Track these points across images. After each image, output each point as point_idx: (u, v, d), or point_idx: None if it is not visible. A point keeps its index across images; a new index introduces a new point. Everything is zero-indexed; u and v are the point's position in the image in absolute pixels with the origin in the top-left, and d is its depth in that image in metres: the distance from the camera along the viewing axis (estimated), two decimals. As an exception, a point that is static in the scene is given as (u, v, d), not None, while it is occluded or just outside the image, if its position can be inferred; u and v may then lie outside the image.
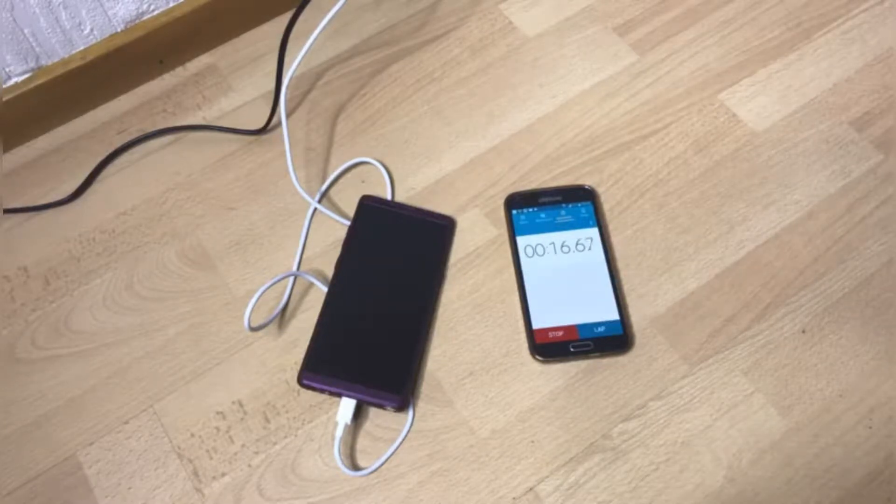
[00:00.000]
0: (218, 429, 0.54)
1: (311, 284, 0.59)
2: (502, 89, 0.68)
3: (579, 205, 0.61)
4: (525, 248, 0.59)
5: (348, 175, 0.64)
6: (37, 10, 0.60)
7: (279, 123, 0.67)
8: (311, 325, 0.57)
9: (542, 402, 0.54)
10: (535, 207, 0.61)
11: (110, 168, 0.66)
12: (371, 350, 0.55)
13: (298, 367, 0.55)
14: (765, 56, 0.69)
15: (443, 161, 0.65)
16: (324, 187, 0.63)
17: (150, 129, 0.67)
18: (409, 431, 0.53)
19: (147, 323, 0.58)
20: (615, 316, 0.56)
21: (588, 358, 0.55)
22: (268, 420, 0.54)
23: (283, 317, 0.58)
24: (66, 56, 0.64)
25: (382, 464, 0.52)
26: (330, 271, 0.59)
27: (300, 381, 0.53)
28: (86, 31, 0.64)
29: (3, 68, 0.62)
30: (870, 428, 0.52)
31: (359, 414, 0.54)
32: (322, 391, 0.53)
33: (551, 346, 0.55)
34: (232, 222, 0.62)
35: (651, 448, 0.52)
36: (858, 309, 0.57)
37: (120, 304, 0.59)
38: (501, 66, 0.70)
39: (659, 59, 0.69)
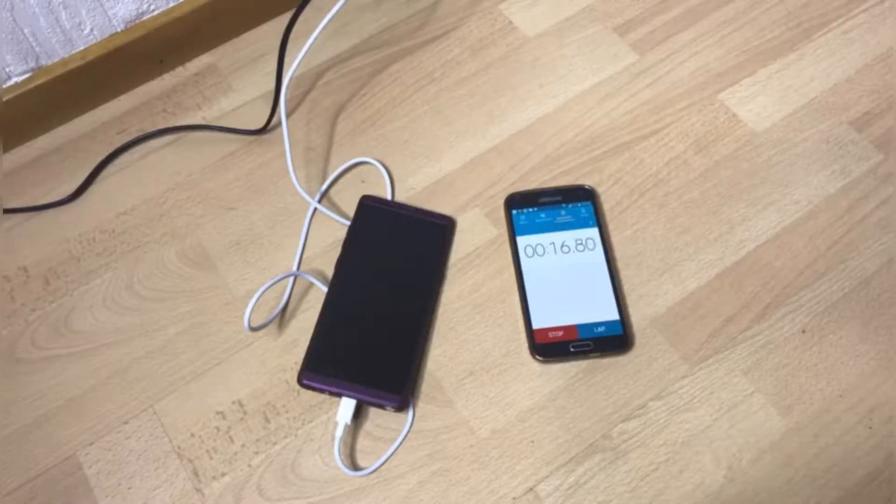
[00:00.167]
0: (218, 429, 0.54)
1: (311, 284, 0.59)
2: (502, 89, 0.68)
3: (579, 205, 0.61)
4: (525, 248, 0.59)
5: (348, 175, 0.64)
6: (37, 10, 0.60)
7: (279, 123, 0.67)
8: (311, 325, 0.57)
9: (542, 402, 0.54)
10: (535, 207, 0.61)
11: (110, 168, 0.66)
12: (371, 350, 0.55)
13: (298, 367, 0.55)
14: (765, 56, 0.69)
15: (443, 161, 0.65)
16: (324, 187, 0.63)
17: (150, 129, 0.67)
18: (409, 431, 0.53)
19: (147, 323, 0.58)
20: (615, 316, 0.56)
21: (588, 358, 0.55)
22: (268, 420, 0.54)
23: (283, 317, 0.58)
24: (66, 56, 0.64)
25: (382, 464, 0.52)
26: (330, 271, 0.59)
27: (300, 381, 0.53)
28: (86, 31, 0.64)
29: (3, 68, 0.62)
30: (870, 428, 0.52)
31: (359, 414, 0.54)
32: (322, 391, 0.53)
33: (551, 346, 0.55)
34: (232, 222, 0.62)
35: (651, 448, 0.52)
36: (858, 309, 0.57)
37: (120, 304, 0.59)
38: (501, 66, 0.70)
39: (659, 59, 0.69)
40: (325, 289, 0.57)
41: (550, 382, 0.55)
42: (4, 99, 0.62)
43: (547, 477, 0.51)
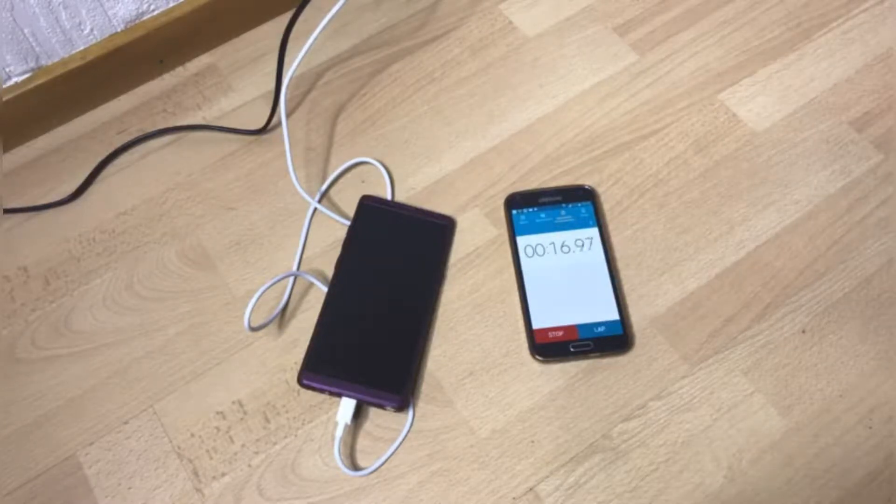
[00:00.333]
0: (218, 429, 0.54)
1: (311, 284, 0.59)
2: (502, 89, 0.68)
3: (579, 205, 0.61)
4: (525, 248, 0.59)
5: (348, 175, 0.64)
6: (37, 10, 0.60)
7: (279, 123, 0.67)
8: (311, 325, 0.57)
9: (542, 402, 0.54)
10: (535, 207, 0.61)
11: (110, 168, 0.66)
12: (371, 350, 0.55)
13: (298, 367, 0.55)
14: (765, 56, 0.69)
15: (443, 161, 0.65)
16: (324, 187, 0.63)
17: (150, 129, 0.67)
18: (409, 431, 0.53)
19: (147, 323, 0.58)
20: (615, 316, 0.56)
21: (588, 358, 0.55)
22: (268, 420, 0.54)
23: (283, 317, 0.58)
24: (66, 56, 0.64)
25: (382, 464, 0.52)
26: (330, 271, 0.59)
27: (300, 381, 0.53)
28: (86, 31, 0.64)
29: (3, 68, 0.62)
30: (870, 428, 0.52)
31: (359, 414, 0.54)
32: (322, 391, 0.53)
33: (551, 346, 0.55)
34: (232, 222, 0.62)
35: (651, 448, 0.52)
36: (858, 309, 0.57)
37: (120, 304, 0.59)
38: (501, 66, 0.70)
39: (659, 59, 0.69)
40: (325, 289, 0.57)
41: (550, 382, 0.55)
42: (4, 99, 0.62)
43: (547, 477, 0.51)
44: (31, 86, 0.63)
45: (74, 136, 0.67)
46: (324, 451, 0.53)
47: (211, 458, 0.53)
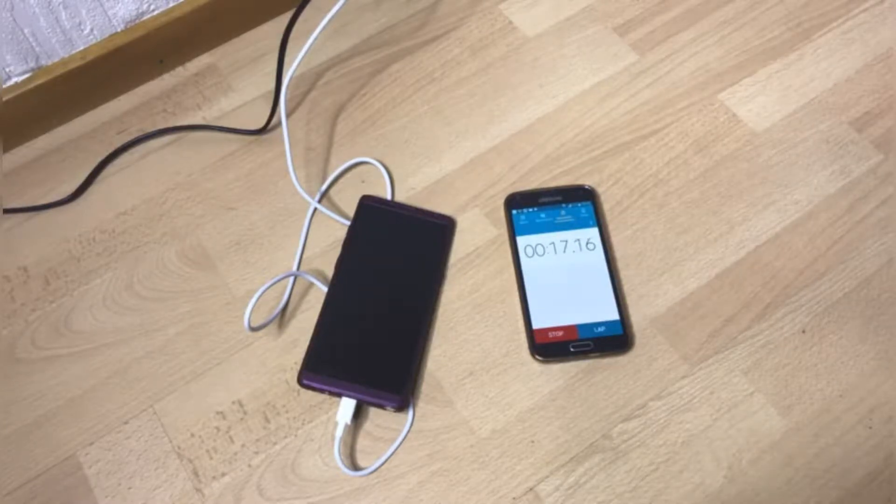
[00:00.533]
0: (218, 429, 0.54)
1: (311, 284, 0.59)
2: (502, 89, 0.68)
3: (579, 205, 0.61)
4: (525, 248, 0.59)
5: (348, 175, 0.64)
6: (37, 10, 0.60)
7: (279, 123, 0.67)
8: (311, 325, 0.57)
9: (542, 402, 0.54)
10: (535, 207, 0.61)
11: (110, 168, 0.66)
12: (371, 350, 0.55)
13: (298, 367, 0.55)
14: (765, 56, 0.69)
15: (443, 161, 0.65)
16: (324, 187, 0.63)
17: (150, 129, 0.67)
18: (409, 431, 0.53)
19: (147, 323, 0.58)
20: (615, 316, 0.56)
21: (588, 358, 0.55)
22: (268, 420, 0.54)
23: (283, 317, 0.58)
24: (66, 56, 0.64)
25: (382, 464, 0.52)
26: (330, 271, 0.59)
27: (300, 381, 0.53)
28: (86, 31, 0.64)
29: (3, 68, 0.62)
30: (870, 428, 0.52)
31: (359, 414, 0.54)
32: (322, 391, 0.53)
33: (551, 346, 0.55)
34: (232, 222, 0.62)
35: (651, 448, 0.52)
36: (858, 309, 0.57)
37: (120, 304, 0.59)
38: (501, 66, 0.70)
39: (659, 59, 0.69)
40: (325, 289, 0.57)
41: (550, 382, 0.55)
42: (4, 99, 0.62)
43: (547, 477, 0.51)
44: (31, 86, 0.63)
45: (74, 136, 0.67)
46: (324, 451, 0.53)
47: (211, 458, 0.53)
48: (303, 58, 0.60)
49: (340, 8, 0.57)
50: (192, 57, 0.71)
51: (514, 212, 0.61)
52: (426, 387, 0.55)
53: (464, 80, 0.69)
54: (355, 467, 0.52)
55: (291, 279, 0.59)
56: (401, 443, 0.53)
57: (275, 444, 0.53)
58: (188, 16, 0.67)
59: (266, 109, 0.68)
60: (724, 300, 0.57)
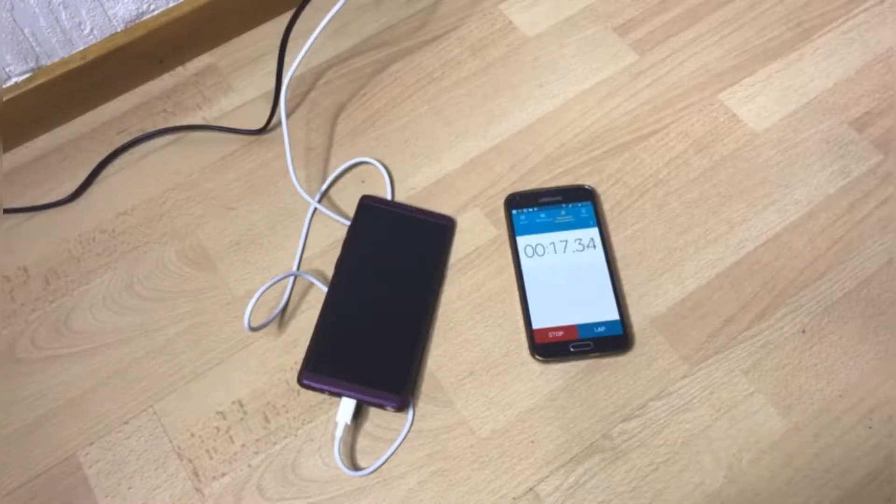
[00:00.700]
0: (218, 429, 0.54)
1: (311, 284, 0.59)
2: (502, 89, 0.68)
3: (579, 205, 0.61)
4: (525, 248, 0.59)
5: (348, 175, 0.64)
6: (37, 10, 0.60)
7: (279, 123, 0.67)
8: (311, 325, 0.57)
9: (542, 402, 0.54)
10: (535, 207, 0.61)
11: (110, 168, 0.66)
12: (371, 350, 0.55)
13: (298, 367, 0.55)
14: (765, 56, 0.69)
15: (443, 161, 0.65)
16: (324, 187, 0.63)
17: (150, 129, 0.67)
18: (409, 431, 0.53)
19: (147, 323, 0.58)
20: (615, 316, 0.56)
21: (588, 358, 0.55)
22: (268, 420, 0.54)
23: (283, 317, 0.58)
24: (66, 56, 0.64)
25: (382, 464, 0.52)
26: (330, 271, 0.59)
27: (300, 381, 0.53)
28: (86, 31, 0.64)
29: (3, 68, 0.62)
30: (870, 428, 0.52)
31: (359, 414, 0.54)
32: (322, 391, 0.53)
33: (551, 346, 0.55)
34: (232, 222, 0.62)
35: (651, 448, 0.52)
36: (858, 309, 0.57)
37: (120, 304, 0.59)
38: (501, 66, 0.70)
39: (659, 59, 0.69)
40: (325, 289, 0.57)
41: (550, 382, 0.55)
42: (4, 99, 0.62)
43: (547, 477, 0.51)
44: (31, 86, 0.63)
45: (74, 136, 0.67)
46: (324, 451, 0.53)
47: (211, 458, 0.53)
48: (303, 58, 0.60)
49: (340, 8, 0.57)
50: (192, 57, 0.71)
51: (514, 212, 0.61)
52: (426, 387, 0.55)
53: (464, 80, 0.69)
54: (355, 467, 0.52)
55: (291, 279, 0.59)
56: (401, 443, 0.53)
57: (275, 444, 0.53)
58: (188, 16, 0.67)
59: (266, 109, 0.68)
60: (724, 300, 0.57)
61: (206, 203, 0.63)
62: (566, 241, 0.59)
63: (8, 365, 0.56)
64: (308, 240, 0.61)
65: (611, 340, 0.55)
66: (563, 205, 0.61)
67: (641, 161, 0.64)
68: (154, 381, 0.56)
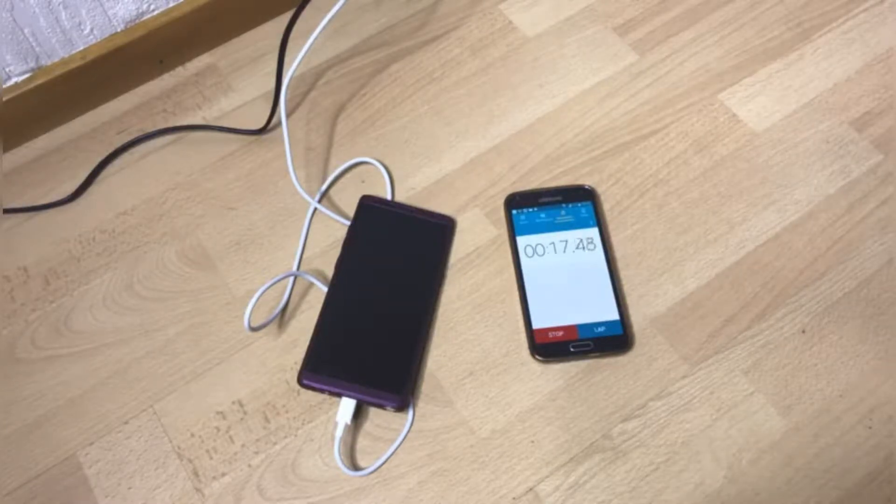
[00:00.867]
0: (218, 429, 0.54)
1: (311, 284, 0.59)
2: (502, 89, 0.68)
3: (579, 205, 0.61)
4: (525, 248, 0.59)
5: (348, 175, 0.64)
6: (37, 10, 0.60)
7: (279, 123, 0.67)
8: (311, 325, 0.57)
9: (542, 402, 0.54)
10: (535, 207, 0.61)
11: (110, 168, 0.66)
12: (371, 350, 0.55)
13: (298, 367, 0.55)
14: (765, 56, 0.69)
15: (443, 161, 0.65)
16: (324, 187, 0.63)
17: (150, 129, 0.67)
18: (409, 431, 0.53)
19: (147, 323, 0.58)
20: (615, 316, 0.56)
21: (588, 358, 0.55)
22: (268, 420, 0.54)
23: (283, 317, 0.58)
24: (66, 56, 0.64)
25: (382, 464, 0.52)
26: (330, 271, 0.59)
27: (300, 381, 0.53)
28: (86, 31, 0.64)
29: (3, 68, 0.62)
30: (870, 428, 0.52)
31: (359, 414, 0.54)
32: (322, 391, 0.53)
33: (551, 346, 0.55)
34: (232, 222, 0.62)
35: (651, 448, 0.52)
36: (858, 309, 0.57)
37: (120, 304, 0.59)
38: (501, 66, 0.70)
39: (659, 59, 0.69)
40: (325, 289, 0.57)
41: (550, 382, 0.55)
42: (4, 99, 0.62)
43: (547, 477, 0.51)
44: (31, 86, 0.63)
45: (74, 136, 0.67)
46: (324, 451, 0.53)
47: (211, 458, 0.53)
48: (303, 58, 0.60)
49: (340, 8, 0.57)
50: (192, 57, 0.71)
51: (514, 212, 0.61)
52: (426, 387, 0.55)
53: (464, 80, 0.69)
54: (355, 467, 0.52)
55: (291, 279, 0.59)
56: (401, 443, 0.53)
57: (275, 444, 0.53)
58: (188, 16, 0.67)
59: (266, 109, 0.68)
60: (724, 300, 0.57)
61: (206, 203, 0.63)
62: (566, 241, 0.59)
63: (8, 365, 0.56)
64: (308, 240, 0.61)
65: (611, 340, 0.55)
66: (563, 205, 0.61)
67: (641, 161, 0.64)
68: (154, 381, 0.56)
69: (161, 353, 0.57)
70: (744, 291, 0.58)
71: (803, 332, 0.56)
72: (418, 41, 0.71)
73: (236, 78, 0.70)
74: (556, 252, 0.59)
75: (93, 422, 0.54)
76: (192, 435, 0.53)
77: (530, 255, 0.59)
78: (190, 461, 0.53)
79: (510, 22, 0.72)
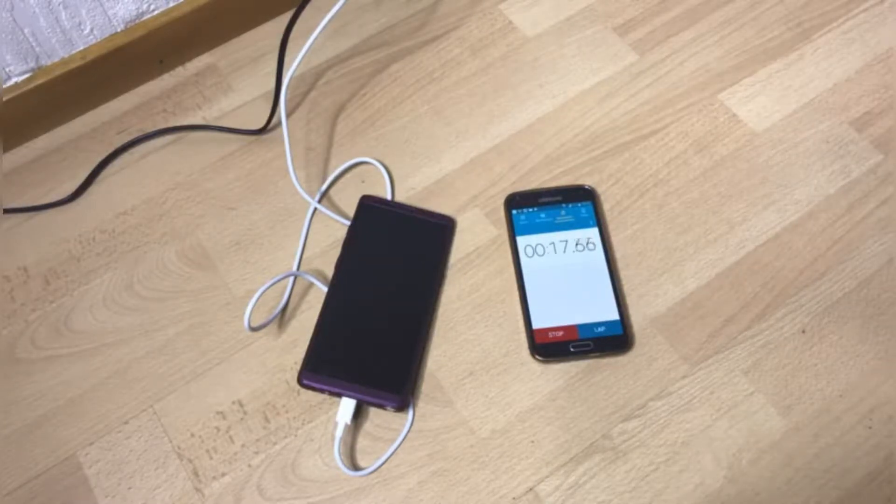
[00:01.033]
0: (218, 429, 0.54)
1: (311, 284, 0.59)
2: (502, 89, 0.68)
3: (579, 205, 0.61)
4: (525, 248, 0.59)
5: (348, 175, 0.64)
6: (37, 10, 0.60)
7: (279, 123, 0.67)
8: (311, 325, 0.57)
9: (542, 402, 0.54)
10: (535, 207, 0.61)
11: (110, 168, 0.66)
12: (371, 350, 0.55)
13: (298, 367, 0.55)
14: (765, 56, 0.69)
15: (443, 161, 0.65)
16: (324, 187, 0.63)
17: (150, 129, 0.67)
18: (409, 431, 0.53)
19: (147, 323, 0.58)
20: (615, 316, 0.56)
21: (588, 358, 0.55)
22: (268, 420, 0.54)
23: (283, 317, 0.58)
24: (66, 56, 0.64)
25: (382, 464, 0.52)
26: (330, 271, 0.59)
27: (300, 381, 0.53)
28: (86, 31, 0.64)
29: (3, 68, 0.62)
30: (870, 428, 0.52)
31: (359, 414, 0.54)
32: (322, 391, 0.53)
33: (551, 346, 0.55)
34: (232, 222, 0.62)
35: (651, 448, 0.52)
36: (858, 309, 0.57)
37: (120, 304, 0.59)
38: (501, 66, 0.70)
39: (659, 59, 0.69)
40: (325, 289, 0.57)
41: (550, 382, 0.55)
42: (4, 99, 0.62)
43: (547, 477, 0.51)
44: (31, 86, 0.63)
45: (74, 136, 0.67)
46: (324, 451, 0.53)
47: (211, 458, 0.53)
48: (303, 58, 0.60)
49: (340, 8, 0.57)
50: (192, 57, 0.71)
51: (514, 212, 0.61)
52: (426, 387, 0.55)
53: (464, 80, 0.69)
54: (355, 467, 0.52)
55: (291, 279, 0.59)
56: (401, 443, 0.53)
57: (275, 444, 0.53)
58: (188, 16, 0.67)
59: (266, 109, 0.68)
60: (724, 300, 0.57)
61: (206, 203, 0.63)
62: (566, 241, 0.59)
63: (8, 365, 0.56)
64: (308, 240, 0.61)
65: (611, 340, 0.55)
66: (563, 205, 0.61)
67: (641, 161, 0.64)
68: (154, 381, 0.56)
69: (161, 353, 0.57)
70: (744, 291, 0.58)
71: (803, 332, 0.56)
72: (418, 41, 0.71)
73: (236, 78, 0.70)
74: (556, 252, 0.59)
75: (93, 422, 0.54)
76: (192, 435, 0.53)
77: (530, 255, 0.59)
78: (190, 461, 0.53)
79: (510, 22, 0.72)
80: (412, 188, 0.63)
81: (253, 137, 0.66)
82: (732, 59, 0.69)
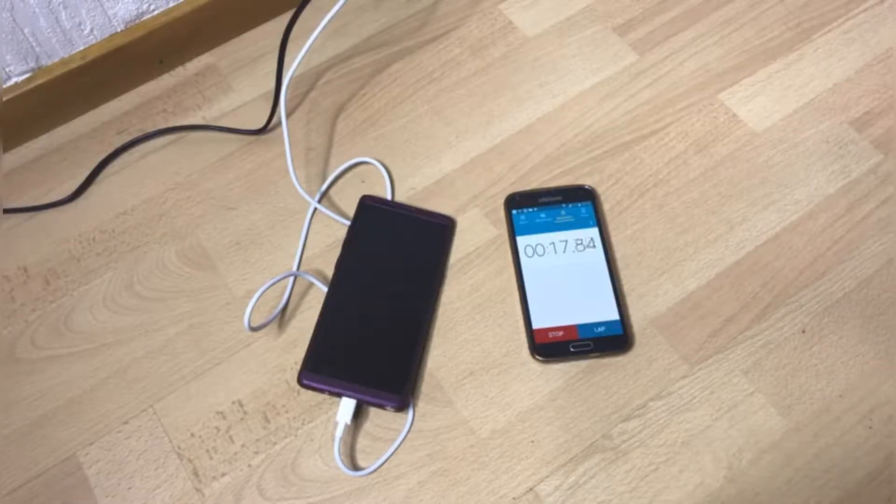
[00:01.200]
0: (218, 429, 0.54)
1: (311, 284, 0.59)
2: (502, 89, 0.68)
3: (579, 205, 0.61)
4: (525, 248, 0.59)
5: (348, 175, 0.64)
6: (37, 10, 0.60)
7: (279, 123, 0.67)
8: (311, 325, 0.57)
9: (542, 402, 0.54)
10: (535, 207, 0.61)
11: (110, 168, 0.66)
12: (371, 350, 0.55)
13: (298, 367, 0.55)
14: (765, 56, 0.69)
15: (443, 161, 0.65)
16: (324, 187, 0.63)
17: (150, 129, 0.67)
18: (409, 431, 0.53)
19: (147, 323, 0.58)
20: (615, 316, 0.56)
21: (588, 358, 0.55)
22: (268, 420, 0.54)
23: (283, 317, 0.58)
24: (66, 56, 0.64)
25: (382, 464, 0.52)
26: (330, 271, 0.59)
27: (300, 381, 0.53)
28: (86, 31, 0.64)
29: (3, 68, 0.62)
30: (870, 428, 0.52)
31: (359, 414, 0.54)
32: (322, 391, 0.53)
33: (551, 346, 0.55)
34: (232, 222, 0.62)
35: (651, 448, 0.52)
36: (858, 309, 0.57)
37: (120, 304, 0.59)
38: (501, 66, 0.70)
39: (659, 59, 0.69)
40: (325, 289, 0.57)
41: (550, 382, 0.55)
42: (4, 99, 0.62)
43: (547, 477, 0.51)
44: (31, 86, 0.63)
45: (74, 136, 0.67)
46: (324, 451, 0.53)
47: (211, 458, 0.53)
48: (303, 58, 0.60)
49: (340, 8, 0.57)
50: (192, 57, 0.71)
51: (514, 212, 0.61)
52: (426, 387, 0.55)
53: (464, 80, 0.69)
54: (355, 467, 0.52)
55: (291, 279, 0.59)
56: (401, 443, 0.53)
57: (275, 444, 0.53)
58: (188, 16, 0.67)
59: (266, 109, 0.68)
60: (724, 300, 0.57)
61: (206, 203, 0.63)
62: (566, 241, 0.59)
63: (8, 365, 0.56)
64: (308, 240, 0.61)
65: (611, 340, 0.55)
66: (563, 205, 0.61)
67: (641, 161, 0.64)
68: (154, 381, 0.56)
69: (161, 353, 0.57)
70: (744, 291, 0.58)
71: (803, 332, 0.56)
72: (418, 41, 0.71)
73: (236, 78, 0.70)
74: (556, 252, 0.59)
75: (93, 422, 0.54)
76: (192, 435, 0.53)
77: (530, 255, 0.59)
78: (190, 461, 0.53)
79: (510, 22, 0.72)
80: (412, 188, 0.63)
81: (253, 137, 0.66)
82: (732, 59, 0.69)
